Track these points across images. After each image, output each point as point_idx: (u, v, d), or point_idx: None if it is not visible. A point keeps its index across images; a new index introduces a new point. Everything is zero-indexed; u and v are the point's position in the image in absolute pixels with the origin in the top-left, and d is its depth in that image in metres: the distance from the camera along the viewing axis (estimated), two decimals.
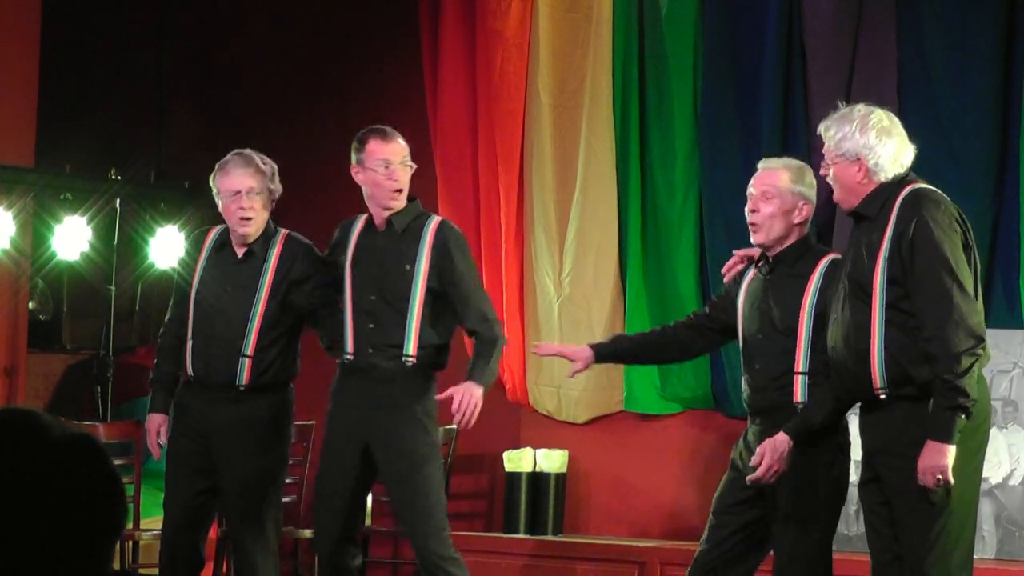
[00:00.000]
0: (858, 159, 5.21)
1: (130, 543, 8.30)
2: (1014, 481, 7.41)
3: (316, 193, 9.53)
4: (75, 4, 10.04)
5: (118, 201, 9.40)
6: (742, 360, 5.77)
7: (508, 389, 8.68)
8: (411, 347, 6.02)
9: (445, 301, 6.11)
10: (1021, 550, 7.33)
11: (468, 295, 6.10)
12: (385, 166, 6.08)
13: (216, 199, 6.33)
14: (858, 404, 5.35)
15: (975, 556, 7.32)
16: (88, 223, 9.33)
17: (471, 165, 8.85)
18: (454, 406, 5.94)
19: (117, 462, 8.37)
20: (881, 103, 7.75)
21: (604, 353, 5.99)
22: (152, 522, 7.82)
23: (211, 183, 6.34)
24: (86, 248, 9.36)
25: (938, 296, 5.00)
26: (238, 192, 6.21)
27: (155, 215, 9.59)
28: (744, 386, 5.75)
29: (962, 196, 7.70)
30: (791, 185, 5.66)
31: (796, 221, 5.66)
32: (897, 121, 5.34)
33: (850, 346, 5.18)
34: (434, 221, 6.17)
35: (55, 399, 9.69)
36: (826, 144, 5.29)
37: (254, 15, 9.90)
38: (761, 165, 5.82)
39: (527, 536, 8.27)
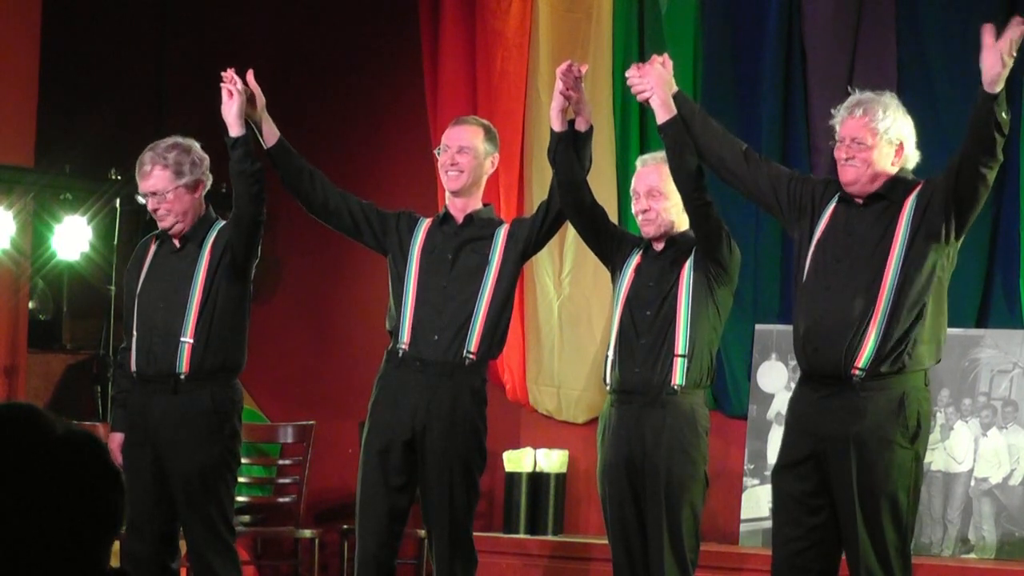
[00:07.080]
0: (901, 144, 5.32)
1: None
2: (1014, 481, 7.41)
3: None
4: (75, 4, 10.04)
5: (118, 201, 9.39)
6: (620, 337, 5.84)
7: (508, 389, 8.67)
8: (474, 342, 5.93)
9: (510, 299, 6.08)
10: (1021, 550, 7.33)
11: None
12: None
13: None
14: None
15: (974, 556, 7.39)
16: (88, 223, 9.33)
17: None
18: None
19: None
20: None
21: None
22: None
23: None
24: (86, 248, 9.36)
25: None
26: (153, 194, 6.23)
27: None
28: (619, 364, 5.81)
29: None
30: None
31: (681, 211, 5.87)
32: None
33: (841, 320, 5.24)
34: (508, 223, 6.23)
35: (55, 399, 9.68)
36: (867, 124, 5.31)
37: (254, 15, 9.90)
38: (640, 163, 6.03)
39: (527, 536, 8.28)
